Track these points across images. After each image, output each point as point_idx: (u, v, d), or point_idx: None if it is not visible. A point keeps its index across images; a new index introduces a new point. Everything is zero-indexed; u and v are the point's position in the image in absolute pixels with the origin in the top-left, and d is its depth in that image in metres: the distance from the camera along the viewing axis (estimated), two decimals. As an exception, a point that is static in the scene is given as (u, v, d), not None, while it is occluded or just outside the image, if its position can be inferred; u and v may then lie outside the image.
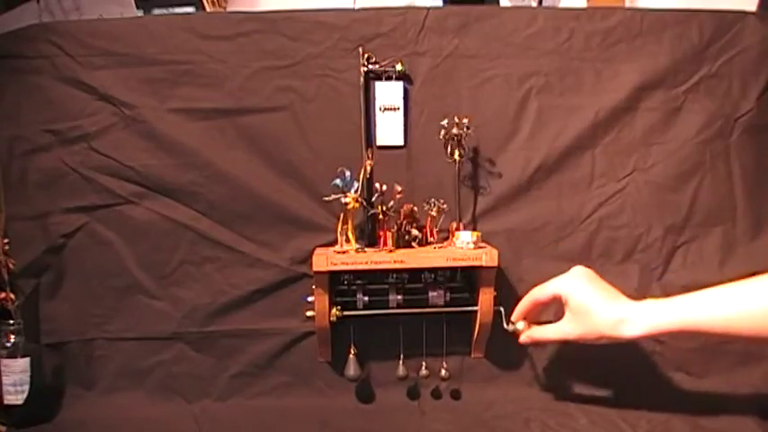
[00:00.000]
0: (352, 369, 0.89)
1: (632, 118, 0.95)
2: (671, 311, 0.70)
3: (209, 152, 0.92)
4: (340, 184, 0.83)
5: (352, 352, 0.90)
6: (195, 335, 0.93)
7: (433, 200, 0.88)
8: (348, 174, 0.83)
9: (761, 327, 0.64)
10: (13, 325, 0.88)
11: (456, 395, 0.94)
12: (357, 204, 0.83)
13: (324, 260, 0.82)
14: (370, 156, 0.88)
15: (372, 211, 0.87)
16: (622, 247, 0.96)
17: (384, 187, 0.85)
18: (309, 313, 0.86)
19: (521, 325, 0.83)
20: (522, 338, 0.83)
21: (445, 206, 0.88)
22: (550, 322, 0.80)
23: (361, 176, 0.86)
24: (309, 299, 0.86)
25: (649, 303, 0.73)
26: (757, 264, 0.71)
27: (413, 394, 0.94)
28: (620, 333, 0.72)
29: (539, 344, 0.84)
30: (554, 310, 0.82)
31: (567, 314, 0.77)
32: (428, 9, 0.93)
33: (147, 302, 0.93)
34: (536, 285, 0.82)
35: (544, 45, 0.94)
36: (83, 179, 0.92)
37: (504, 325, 0.84)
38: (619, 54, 0.94)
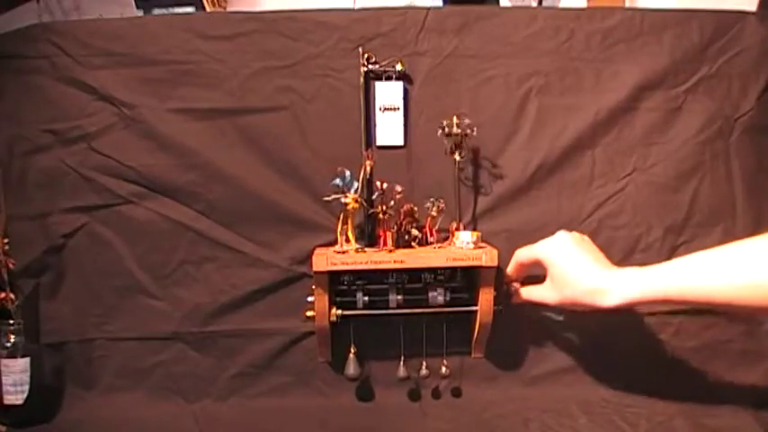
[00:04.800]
0: (351, 368, 0.89)
1: (632, 118, 0.95)
2: (651, 280, 0.68)
3: (209, 152, 0.92)
4: (340, 184, 0.83)
5: (352, 351, 0.90)
6: (195, 335, 0.93)
7: (432, 200, 0.88)
8: (348, 174, 0.83)
9: (748, 296, 0.61)
10: (13, 325, 0.88)
11: (456, 395, 0.94)
12: (357, 204, 0.83)
13: (324, 260, 0.82)
14: (369, 156, 0.88)
15: (372, 211, 0.87)
16: (622, 247, 0.95)
17: (385, 185, 0.85)
18: (309, 313, 0.86)
19: (515, 285, 0.87)
20: (514, 298, 0.86)
21: (443, 205, 0.88)
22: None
23: (361, 176, 0.86)
24: (309, 299, 0.86)
25: (629, 272, 0.72)
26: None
27: (413, 394, 0.94)
28: (597, 302, 0.72)
29: (528, 303, 0.85)
30: (541, 272, 0.83)
31: (548, 280, 0.79)
32: (428, 9, 0.93)
33: (147, 302, 0.93)
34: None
35: (544, 45, 0.94)
36: (83, 179, 0.92)
37: (504, 287, 0.88)
38: (619, 54, 0.94)
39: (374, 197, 0.88)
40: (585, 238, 0.80)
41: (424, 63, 0.93)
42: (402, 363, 0.91)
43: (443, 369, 0.91)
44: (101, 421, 0.88)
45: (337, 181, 0.83)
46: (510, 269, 0.86)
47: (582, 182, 0.95)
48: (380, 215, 0.85)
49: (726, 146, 0.96)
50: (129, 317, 0.93)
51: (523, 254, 0.83)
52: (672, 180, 0.95)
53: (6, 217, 0.92)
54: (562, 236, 0.79)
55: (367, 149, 0.89)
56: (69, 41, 0.90)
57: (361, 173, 0.86)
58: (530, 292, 0.84)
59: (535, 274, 0.84)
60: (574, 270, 0.75)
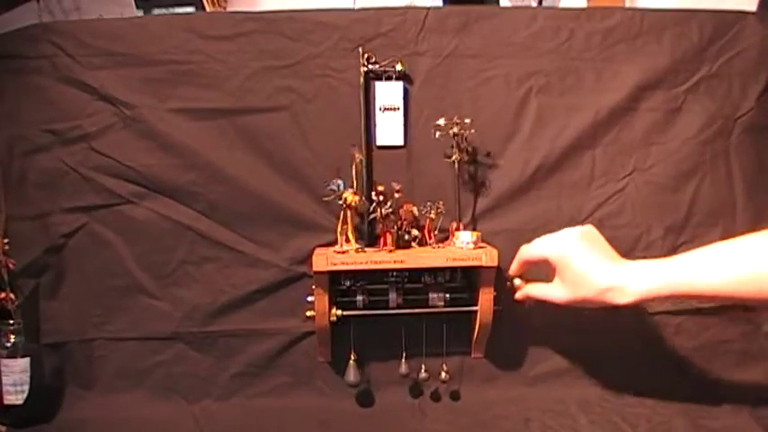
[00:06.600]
0: (352, 375, 0.89)
1: (632, 118, 0.95)
2: (663, 275, 0.67)
3: (209, 152, 0.92)
4: (336, 190, 0.83)
5: (352, 358, 0.89)
6: (195, 335, 0.93)
7: (429, 203, 0.88)
8: (340, 182, 0.84)
9: (753, 289, 0.61)
10: (13, 325, 0.88)
11: (456, 396, 0.94)
12: (356, 197, 0.83)
13: (324, 260, 0.82)
14: (358, 151, 0.88)
15: (372, 216, 0.86)
16: (622, 247, 0.93)
17: (381, 188, 0.86)
18: (309, 313, 0.87)
19: (517, 281, 0.82)
20: (517, 295, 0.82)
21: (442, 208, 0.88)
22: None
23: (354, 173, 0.86)
24: (309, 299, 0.86)
25: (640, 266, 0.70)
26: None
27: (413, 394, 0.94)
28: (612, 300, 0.69)
29: (533, 301, 0.81)
30: (546, 269, 0.78)
31: (556, 279, 0.75)
32: (428, 9, 0.93)
33: (147, 302, 0.93)
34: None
35: (544, 45, 0.94)
36: (83, 179, 0.92)
37: (507, 283, 0.84)
38: (619, 54, 0.94)
39: (373, 205, 0.86)
40: (592, 229, 0.76)
41: (424, 63, 0.93)
42: (404, 361, 0.91)
43: (443, 374, 0.91)
44: (101, 421, 0.88)
45: (333, 187, 0.83)
46: (514, 266, 0.81)
47: (582, 182, 0.95)
48: (380, 213, 0.85)
49: (726, 146, 0.96)
50: (129, 317, 0.93)
51: (528, 251, 0.78)
52: (672, 180, 0.95)
53: (6, 217, 0.92)
54: (568, 232, 0.75)
55: (353, 146, 0.89)
56: (69, 41, 0.91)
57: (353, 170, 0.86)
58: (537, 290, 0.79)
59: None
60: (584, 268, 0.71)
